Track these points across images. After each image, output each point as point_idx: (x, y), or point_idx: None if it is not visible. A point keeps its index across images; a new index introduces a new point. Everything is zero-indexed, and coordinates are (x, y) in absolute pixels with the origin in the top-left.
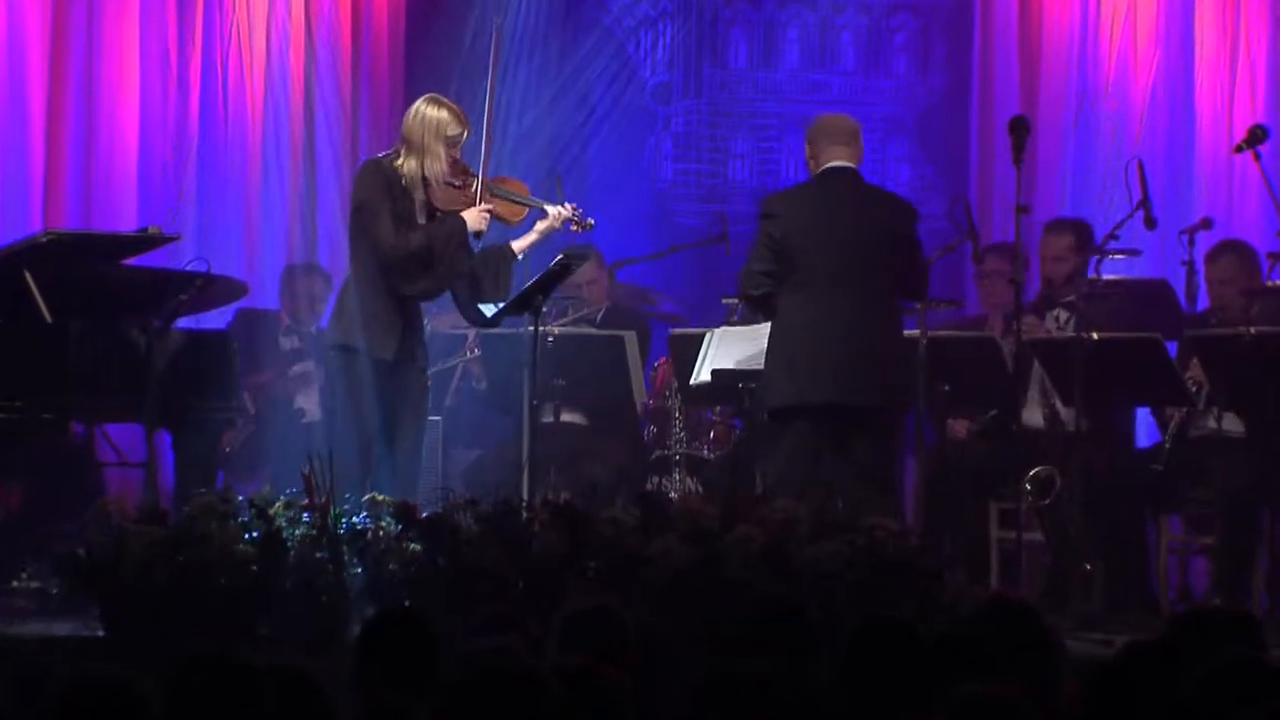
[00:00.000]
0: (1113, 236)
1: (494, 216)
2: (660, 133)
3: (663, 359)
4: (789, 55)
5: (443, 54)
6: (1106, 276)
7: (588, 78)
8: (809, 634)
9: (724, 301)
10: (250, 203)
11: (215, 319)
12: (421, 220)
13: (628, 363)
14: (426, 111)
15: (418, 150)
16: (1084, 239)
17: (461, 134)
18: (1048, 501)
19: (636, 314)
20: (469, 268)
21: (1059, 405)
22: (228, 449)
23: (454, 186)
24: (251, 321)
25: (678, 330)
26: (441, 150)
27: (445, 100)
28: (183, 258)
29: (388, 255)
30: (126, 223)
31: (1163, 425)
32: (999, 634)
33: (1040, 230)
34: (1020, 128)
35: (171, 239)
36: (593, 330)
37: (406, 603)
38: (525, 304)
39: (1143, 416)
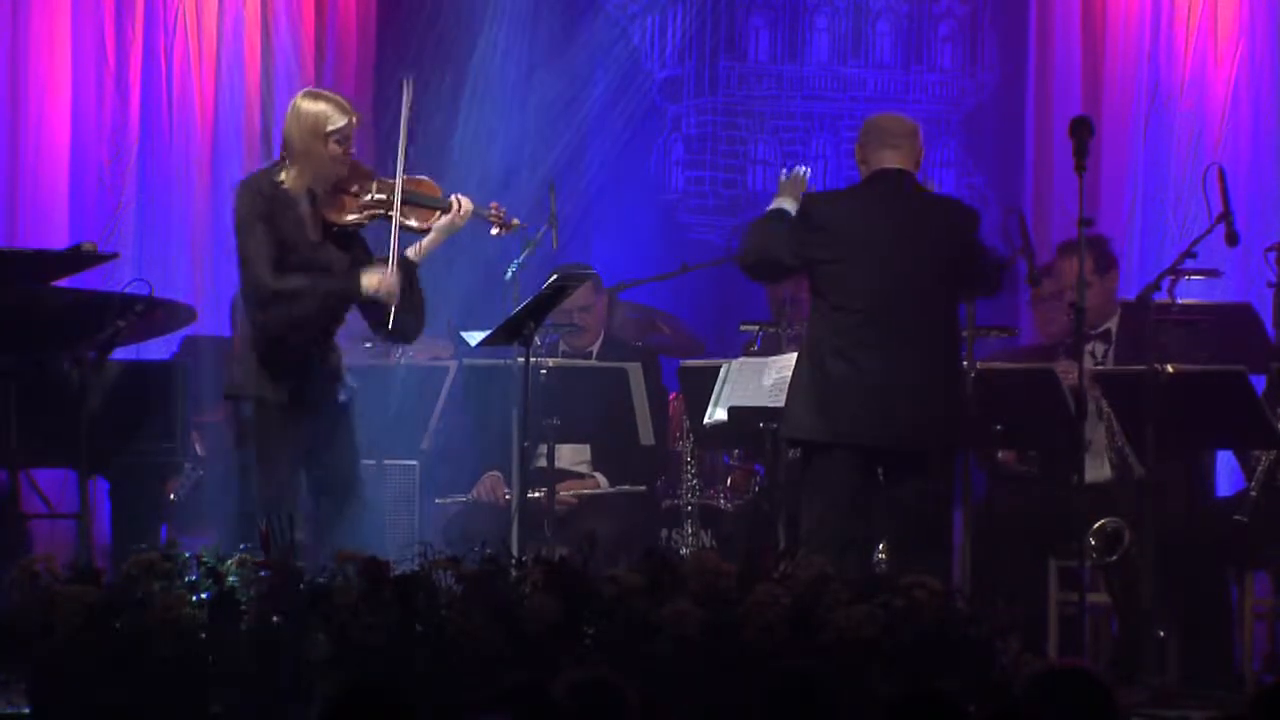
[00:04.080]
0: (1189, 254)
1: (409, 229)
2: (669, 135)
3: (673, 395)
4: (817, 46)
5: (418, 43)
6: (1182, 300)
7: (585, 71)
8: (838, 713)
9: (742, 328)
10: (198, 216)
11: (158, 348)
12: (315, 237)
13: (632, 399)
14: (302, 107)
15: (298, 154)
16: (1102, 257)
17: (347, 125)
18: (1115, 558)
19: (638, 350)
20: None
21: (1127, 449)
22: (172, 497)
23: (348, 194)
24: (200, 351)
25: (689, 362)
26: (324, 150)
27: (324, 92)
28: (121, 279)
29: (257, 291)
30: (56, 239)
31: (1248, 471)
32: (1059, 711)
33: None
34: (1083, 130)
35: (108, 257)
36: (592, 361)
37: (377, 675)
38: (514, 331)
39: (1224, 461)
